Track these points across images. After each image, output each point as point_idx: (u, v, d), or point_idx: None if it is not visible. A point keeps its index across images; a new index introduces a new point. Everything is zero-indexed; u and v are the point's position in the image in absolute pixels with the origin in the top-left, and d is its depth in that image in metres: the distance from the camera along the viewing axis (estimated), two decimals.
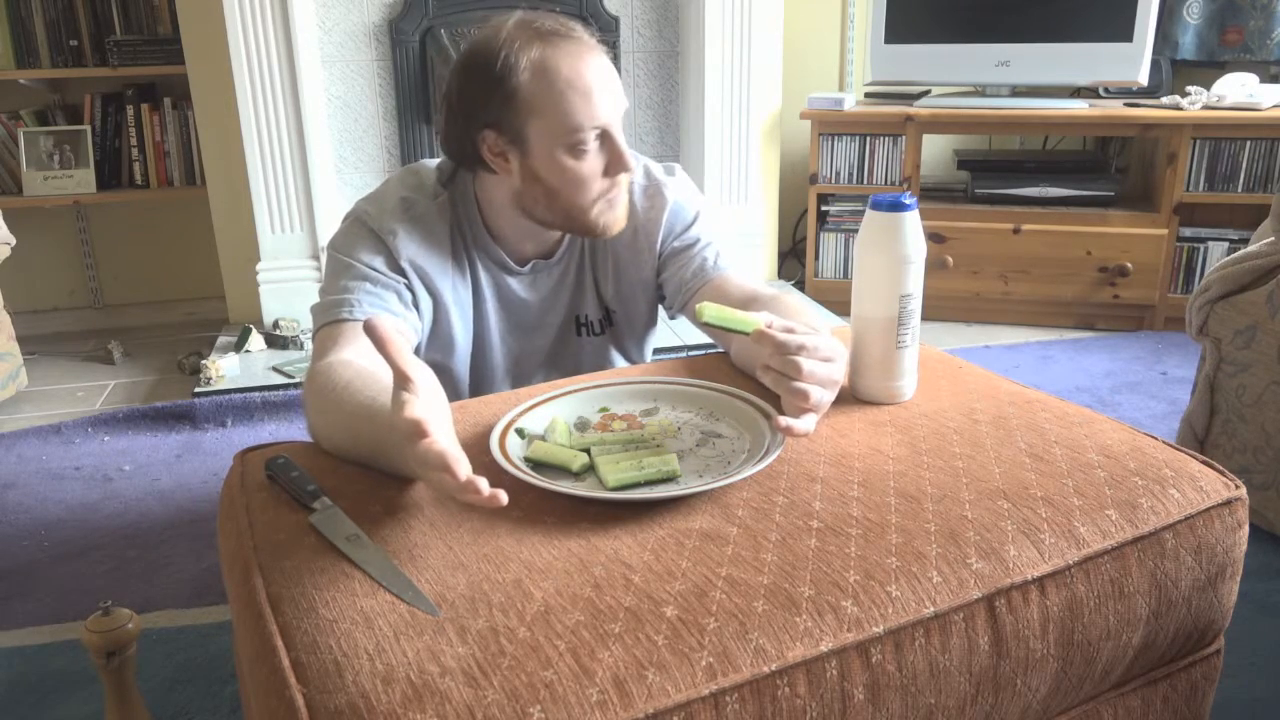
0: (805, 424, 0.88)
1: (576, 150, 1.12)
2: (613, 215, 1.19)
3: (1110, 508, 0.82)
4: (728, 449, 0.91)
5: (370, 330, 0.76)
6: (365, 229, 1.18)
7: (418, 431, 0.72)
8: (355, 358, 1.04)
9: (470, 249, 1.23)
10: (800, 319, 1.05)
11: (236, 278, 2.73)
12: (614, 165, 1.15)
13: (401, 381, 0.76)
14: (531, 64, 1.09)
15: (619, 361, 1.37)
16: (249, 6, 2.37)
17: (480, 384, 1.31)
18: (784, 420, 0.87)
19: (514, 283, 1.26)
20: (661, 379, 1.05)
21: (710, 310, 0.94)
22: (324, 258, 2.53)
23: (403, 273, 1.17)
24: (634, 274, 1.30)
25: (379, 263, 1.16)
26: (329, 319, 1.12)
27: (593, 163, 1.13)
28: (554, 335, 1.32)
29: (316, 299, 1.17)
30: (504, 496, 0.72)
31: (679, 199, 1.28)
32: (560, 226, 1.20)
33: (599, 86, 1.11)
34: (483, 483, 0.71)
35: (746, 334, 0.93)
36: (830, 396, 0.94)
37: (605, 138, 1.13)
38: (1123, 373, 2.34)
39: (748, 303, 1.16)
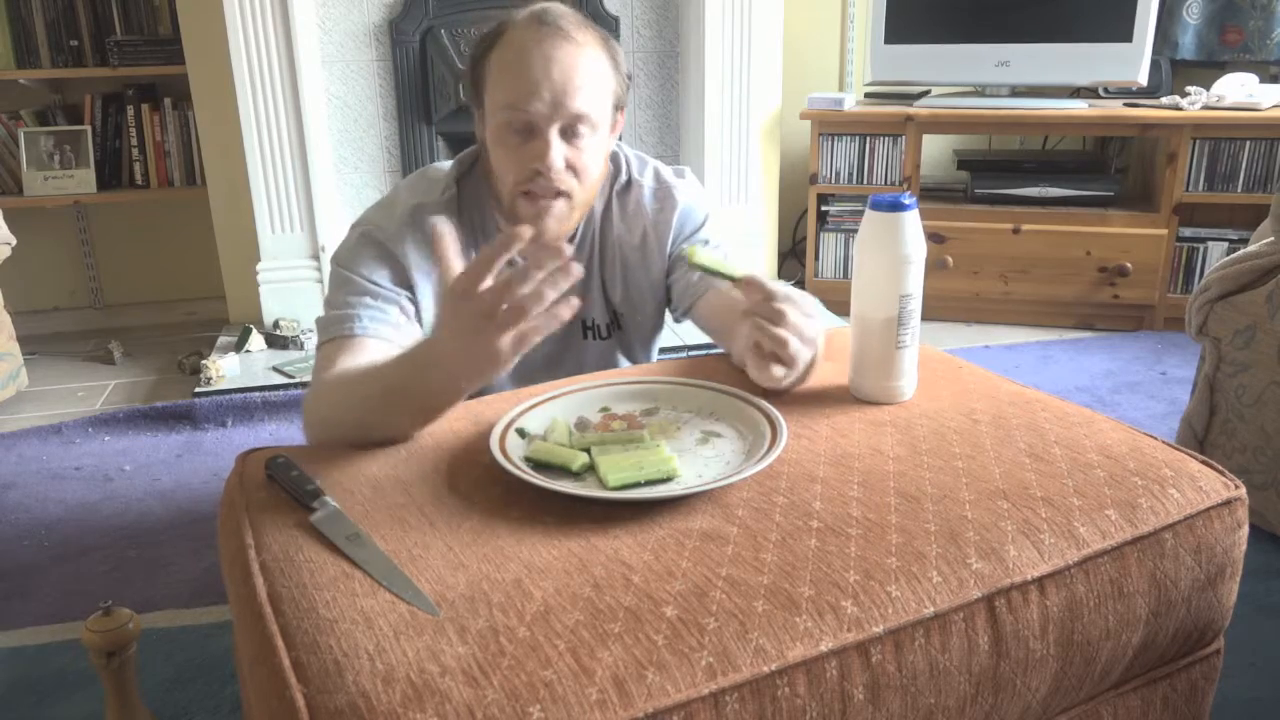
0: (775, 373, 0.94)
1: (503, 129, 1.12)
2: (540, 223, 1.15)
3: (1110, 508, 0.82)
4: (728, 449, 0.91)
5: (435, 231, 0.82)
6: (372, 241, 1.18)
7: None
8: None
9: (479, 242, 1.24)
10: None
11: (236, 278, 2.73)
12: (534, 159, 1.11)
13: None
14: (507, 37, 1.12)
15: (624, 365, 1.37)
16: (249, 6, 2.37)
17: (485, 388, 1.31)
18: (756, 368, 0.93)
19: None
20: (661, 379, 1.05)
21: (701, 254, 0.99)
22: (324, 259, 2.54)
23: (409, 285, 1.17)
24: (643, 277, 1.30)
25: (382, 276, 1.16)
26: (332, 335, 1.13)
27: (517, 150, 1.12)
28: (557, 340, 1.32)
29: (317, 299, 1.17)
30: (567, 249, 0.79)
31: (689, 202, 1.29)
32: (503, 213, 1.20)
33: (538, 76, 1.09)
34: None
35: (734, 279, 0.97)
36: (807, 355, 0.96)
37: (534, 132, 1.11)
38: (1123, 373, 2.34)
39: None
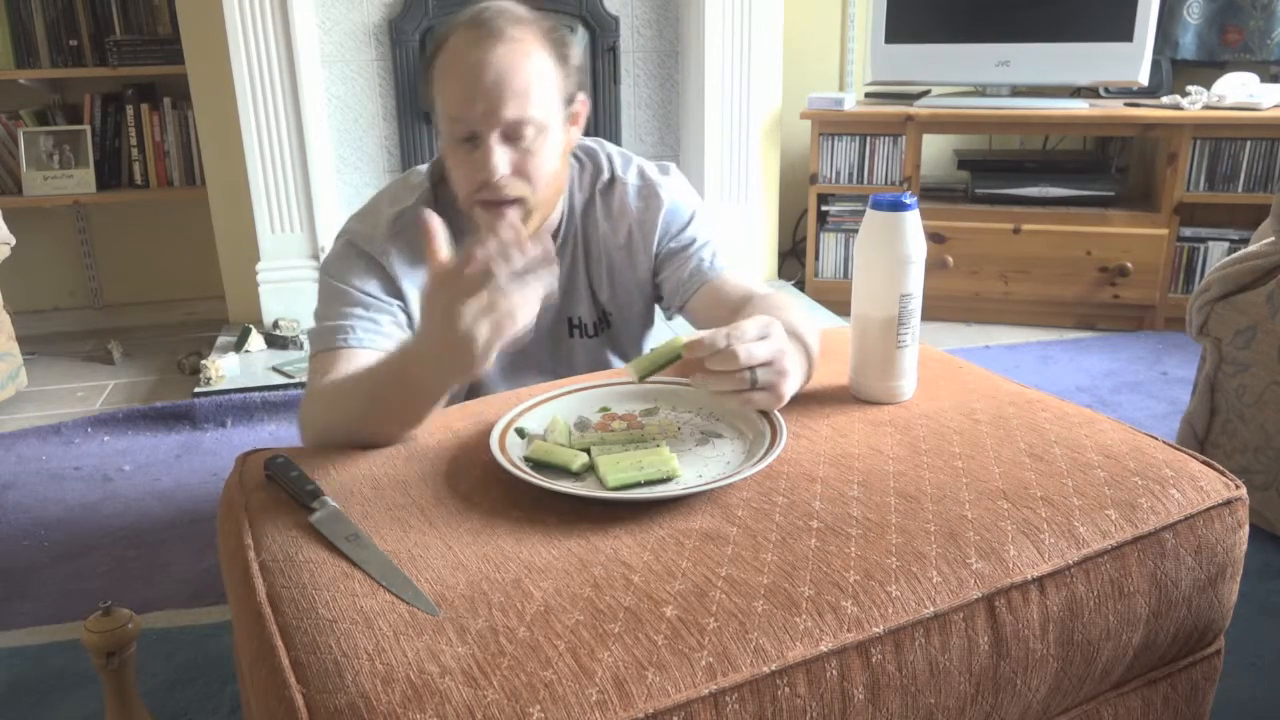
0: (768, 403, 0.91)
1: (449, 140, 1.11)
2: (499, 231, 1.15)
3: (1110, 508, 0.82)
4: (728, 449, 0.91)
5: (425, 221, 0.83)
6: (357, 251, 1.17)
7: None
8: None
9: (455, 240, 1.23)
10: (785, 314, 1.03)
11: (236, 278, 2.73)
12: (478, 169, 1.09)
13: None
14: (447, 44, 1.09)
15: (615, 363, 1.37)
16: (249, 6, 2.37)
17: (475, 387, 1.31)
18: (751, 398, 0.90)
19: None
20: (661, 379, 1.05)
21: (635, 368, 0.93)
22: (324, 259, 2.54)
23: (398, 294, 1.17)
24: (629, 276, 1.29)
25: (372, 286, 1.15)
26: (324, 346, 1.12)
27: (463, 160, 1.11)
28: (543, 338, 1.31)
29: (315, 304, 1.17)
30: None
31: (675, 199, 1.27)
32: (467, 220, 1.18)
33: (471, 85, 1.06)
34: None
35: (680, 357, 0.91)
36: (781, 366, 0.90)
37: (476, 141, 1.09)
38: (1123, 373, 2.34)
39: (743, 302, 1.16)
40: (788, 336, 0.94)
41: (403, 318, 1.17)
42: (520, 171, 1.11)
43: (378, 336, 1.13)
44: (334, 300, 1.15)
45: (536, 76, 1.09)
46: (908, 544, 0.76)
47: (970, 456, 0.89)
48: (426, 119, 2.66)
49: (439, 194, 1.23)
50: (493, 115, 1.07)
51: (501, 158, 1.08)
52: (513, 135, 1.09)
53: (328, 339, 1.12)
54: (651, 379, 1.05)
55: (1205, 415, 1.61)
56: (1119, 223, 2.58)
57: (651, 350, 0.93)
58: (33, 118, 2.77)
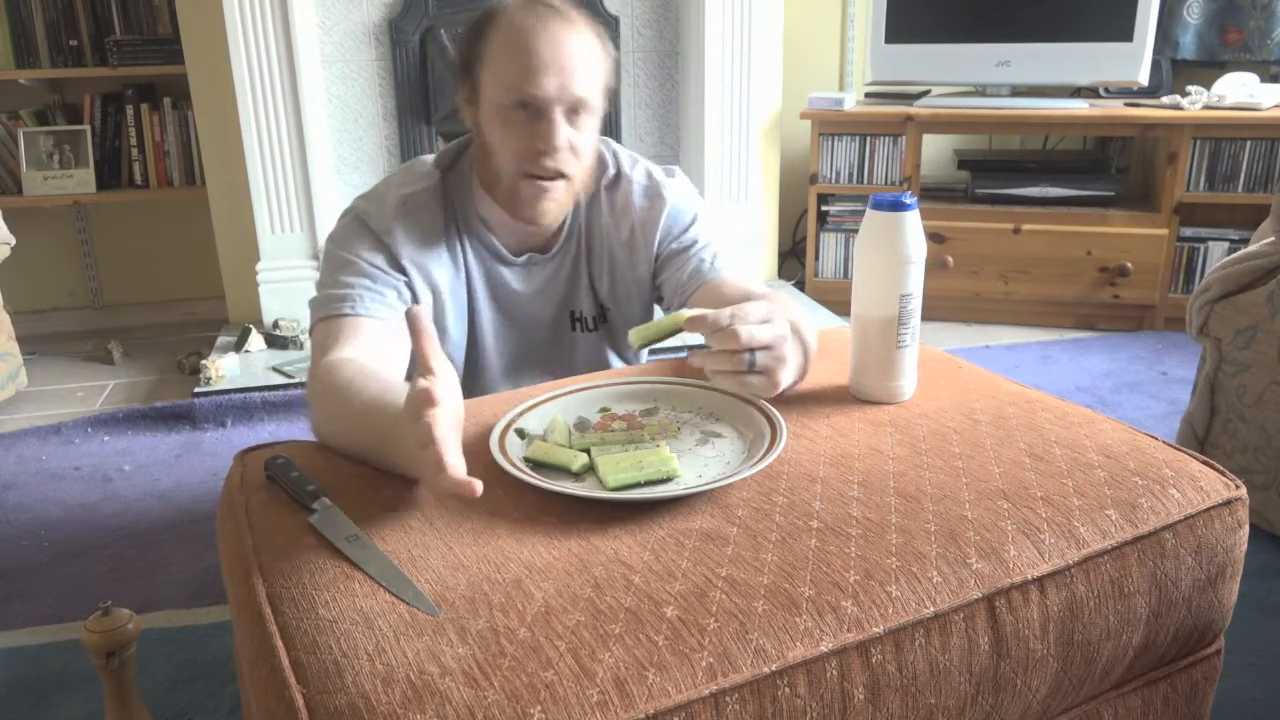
0: (764, 388, 0.90)
1: (506, 111, 1.12)
2: (540, 205, 1.16)
3: (1110, 508, 0.82)
4: (728, 449, 0.91)
5: (411, 319, 0.77)
6: (364, 228, 1.18)
7: (427, 400, 0.72)
8: (357, 355, 1.05)
9: (463, 235, 1.24)
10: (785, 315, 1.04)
11: (236, 278, 2.73)
12: (538, 140, 1.11)
13: (424, 370, 0.77)
14: (505, 18, 1.12)
15: (614, 360, 1.37)
16: (249, 6, 2.37)
17: (476, 379, 1.31)
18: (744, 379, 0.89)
19: (506, 273, 1.26)
20: (661, 379, 1.05)
21: (636, 335, 0.95)
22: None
23: (403, 271, 1.18)
24: (629, 273, 1.30)
25: (379, 260, 1.16)
26: (328, 313, 1.12)
27: (519, 131, 1.12)
28: (546, 331, 1.32)
29: (313, 293, 1.17)
30: (479, 486, 0.72)
31: (677, 201, 1.28)
32: (498, 196, 1.19)
33: (544, 57, 1.09)
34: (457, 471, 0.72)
35: (680, 329, 0.93)
36: (780, 352, 0.91)
37: (539, 113, 1.11)
38: (1123, 373, 2.34)
39: (742, 301, 1.16)
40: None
41: (408, 294, 1.18)
42: (574, 148, 1.14)
43: (382, 307, 1.13)
44: (339, 269, 1.16)
45: (598, 62, 1.14)
46: (908, 544, 0.76)
47: (970, 456, 0.89)
48: (427, 119, 2.66)
49: (447, 184, 1.23)
50: (565, 90, 1.10)
51: (564, 131, 1.12)
52: (572, 113, 1.13)
53: (331, 306, 1.12)
54: (652, 380, 1.06)
55: (1205, 415, 1.61)
56: (1119, 223, 2.58)
57: (653, 321, 0.94)
58: (33, 118, 2.77)
